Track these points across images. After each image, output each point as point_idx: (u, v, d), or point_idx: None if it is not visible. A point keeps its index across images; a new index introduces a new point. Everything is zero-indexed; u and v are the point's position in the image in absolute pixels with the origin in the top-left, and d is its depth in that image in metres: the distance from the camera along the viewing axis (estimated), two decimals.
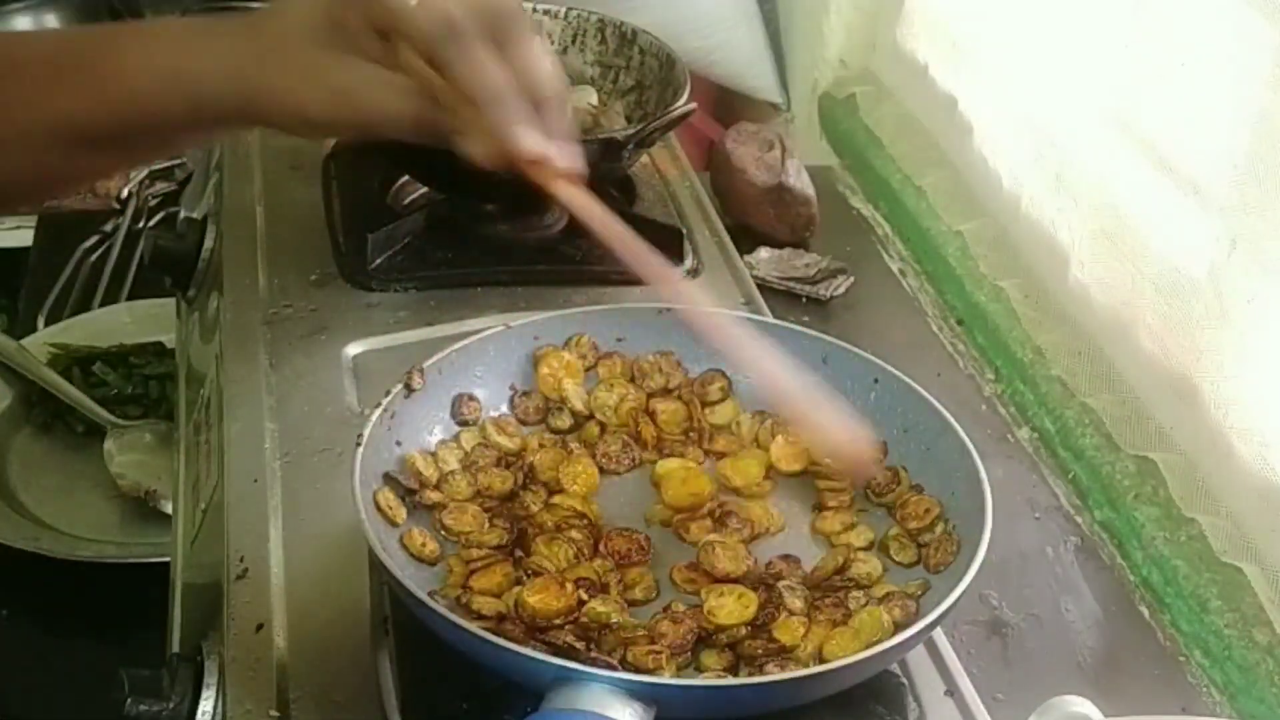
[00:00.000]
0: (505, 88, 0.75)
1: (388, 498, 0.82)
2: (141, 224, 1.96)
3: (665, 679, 0.72)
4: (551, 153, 0.77)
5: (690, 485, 0.87)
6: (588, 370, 0.94)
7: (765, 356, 0.80)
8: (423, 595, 0.72)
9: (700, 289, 1.10)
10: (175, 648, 0.97)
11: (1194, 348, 0.97)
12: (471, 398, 0.90)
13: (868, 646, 0.73)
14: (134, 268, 1.84)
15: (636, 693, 0.67)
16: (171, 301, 1.40)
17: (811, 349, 0.92)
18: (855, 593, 0.80)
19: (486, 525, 0.84)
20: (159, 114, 0.80)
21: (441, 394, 0.89)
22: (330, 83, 0.77)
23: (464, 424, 0.90)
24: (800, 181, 1.30)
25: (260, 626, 0.80)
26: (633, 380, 0.93)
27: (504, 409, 0.92)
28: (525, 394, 0.92)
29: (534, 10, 1.24)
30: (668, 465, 0.89)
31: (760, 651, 0.76)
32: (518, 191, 1.11)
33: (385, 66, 0.76)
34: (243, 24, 0.82)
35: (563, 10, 1.24)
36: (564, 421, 0.92)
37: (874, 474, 0.86)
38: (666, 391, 0.94)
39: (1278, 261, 0.89)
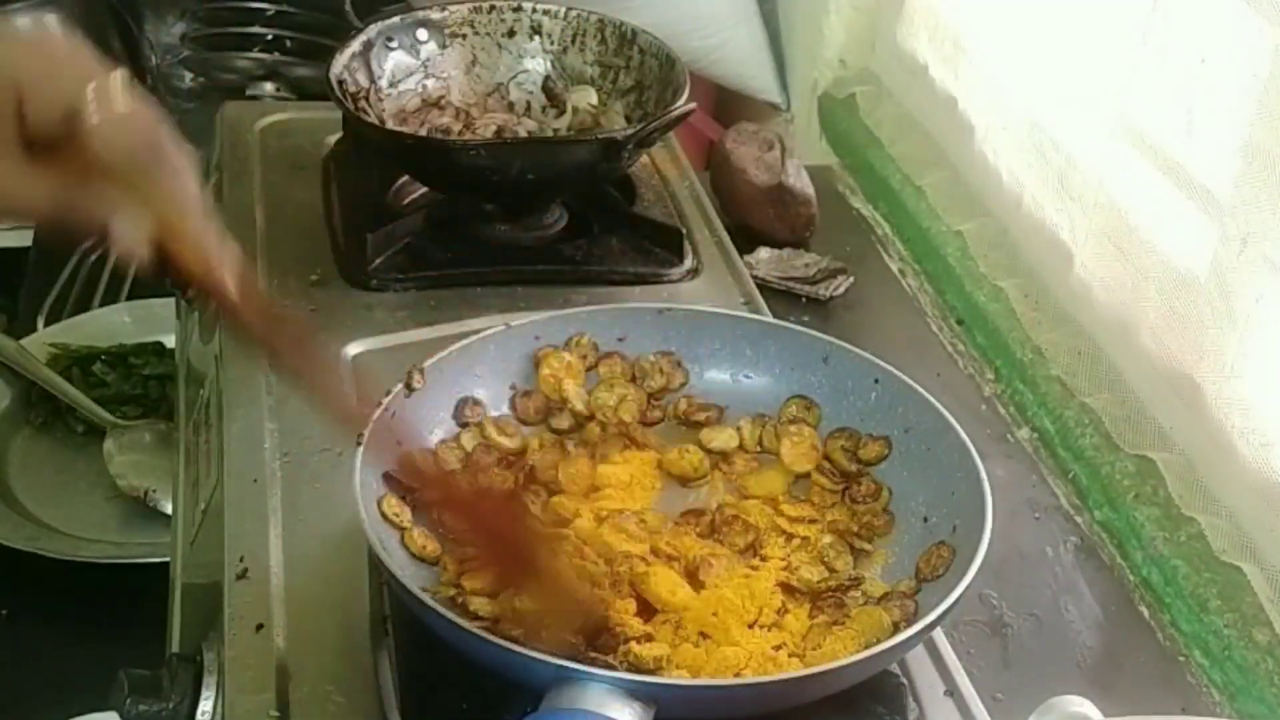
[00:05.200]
0: None
1: (392, 504, 0.81)
2: None
3: (665, 679, 0.72)
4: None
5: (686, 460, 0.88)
6: (588, 370, 0.93)
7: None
8: (423, 595, 0.72)
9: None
10: (175, 648, 0.97)
11: (1197, 347, 0.97)
12: (475, 401, 0.90)
13: (867, 646, 0.73)
14: (134, 268, 1.84)
15: (636, 693, 0.66)
16: (171, 301, 1.39)
17: (811, 349, 0.92)
18: (854, 593, 0.80)
19: None
20: None
21: (442, 394, 0.89)
22: None
23: (465, 426, 0.90)
24: (800, 181, 1.30)
25: (260, 626, 0.80)
26: (633, 380, 0.93)
27: (504, 409, 0.92)
28: (526, 394, 0.92)
29: (534, 10, 1.23)
30: (667, 455, 0.90)
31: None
32: (518, 192, 1.13)
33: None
34: None
35: (563, 10, 1.24)
36: (565, 422, 0.92)
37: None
38: (667, 392, 0.94)
39: None
